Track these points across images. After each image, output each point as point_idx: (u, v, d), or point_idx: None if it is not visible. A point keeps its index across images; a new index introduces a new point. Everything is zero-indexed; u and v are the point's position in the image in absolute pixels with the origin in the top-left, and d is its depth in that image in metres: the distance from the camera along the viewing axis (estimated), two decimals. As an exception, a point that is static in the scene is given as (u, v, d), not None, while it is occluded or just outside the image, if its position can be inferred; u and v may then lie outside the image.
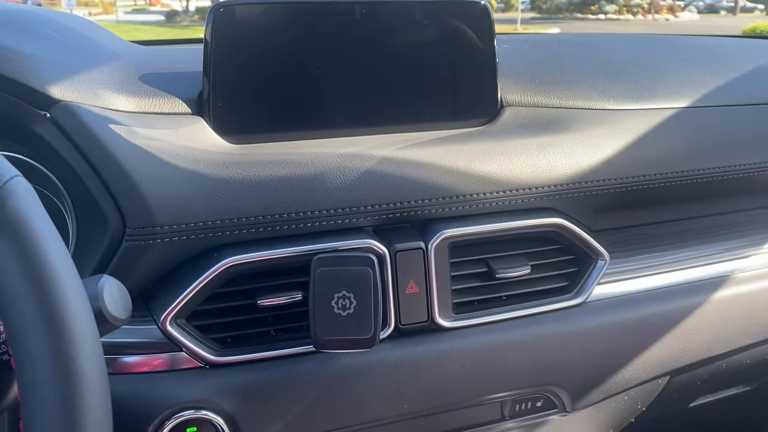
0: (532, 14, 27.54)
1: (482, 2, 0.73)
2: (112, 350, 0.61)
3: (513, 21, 18.88)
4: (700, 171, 0.83)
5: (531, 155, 0.73)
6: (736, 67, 0.93)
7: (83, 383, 0.36)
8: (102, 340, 0.40)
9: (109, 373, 0.39)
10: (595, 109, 0.79)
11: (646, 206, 0.86)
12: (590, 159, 0.75)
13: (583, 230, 0.75)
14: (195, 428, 0.63)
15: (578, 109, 0.79)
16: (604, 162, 0.76)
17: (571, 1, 27.42)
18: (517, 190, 0.73)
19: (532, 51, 0.90)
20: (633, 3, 25.89)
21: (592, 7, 26.20)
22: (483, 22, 0.73)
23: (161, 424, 0.62)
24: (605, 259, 0.77)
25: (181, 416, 0.62)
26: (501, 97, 0.77)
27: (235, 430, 0.64)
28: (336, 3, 0.69)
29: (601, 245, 0.76)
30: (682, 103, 0.83)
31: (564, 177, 0.74)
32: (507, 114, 0.76)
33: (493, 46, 0.73)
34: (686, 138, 0.82)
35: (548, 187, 0.74)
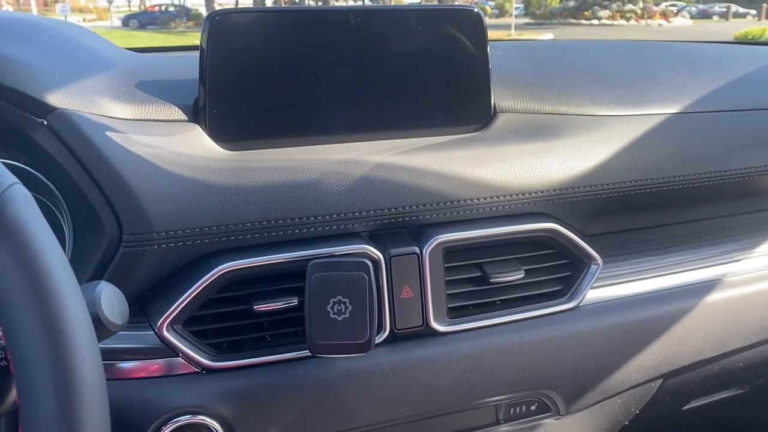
0: (526, 20, 27.66)
1: (475, 10, 0.74)
2: (109, 356, 0.61)
3: (507, 26, 18.95)
4: (691, 176, 0.83)
5: (524, 161, 0.74)
6: (727, 73, 0.94)
7: (82, 388, 0.37)
8: (99, 345, 0.40)
9: (106, 379, 0.40)
10: (588, 115, 0.80)
11: (638, 211, 0.87)
12: (583, 164, 0.76)
13: (576, 235, 0.76)
14: None
15: (571, 115, 0.80)
16: (596, 167, 0.77)
17: (565, 6, 27.56)
18: (510, 196, 0.73)
19: (525, 58, 0.91)
20: (626, 8, 26.04)
21: (586, 13, 26.33)
22: (476, 29, 0.74)
23: (158, 429, 0.62)
24: (598, 264, 0.77)
25: (178, 421, 0.62)
26: (494, 104, 0.77)
27: None
28: (330, 11, 0.70)
29: (594, 249, 0.77)
30: (673, 109, 0.84)
31: (557, 182, 0.75)
32: (500, 120, 0.77)
33: (487, 53, 0.74)
34: (677, 143, 0.83)
35: (541, 192, 0.74)
